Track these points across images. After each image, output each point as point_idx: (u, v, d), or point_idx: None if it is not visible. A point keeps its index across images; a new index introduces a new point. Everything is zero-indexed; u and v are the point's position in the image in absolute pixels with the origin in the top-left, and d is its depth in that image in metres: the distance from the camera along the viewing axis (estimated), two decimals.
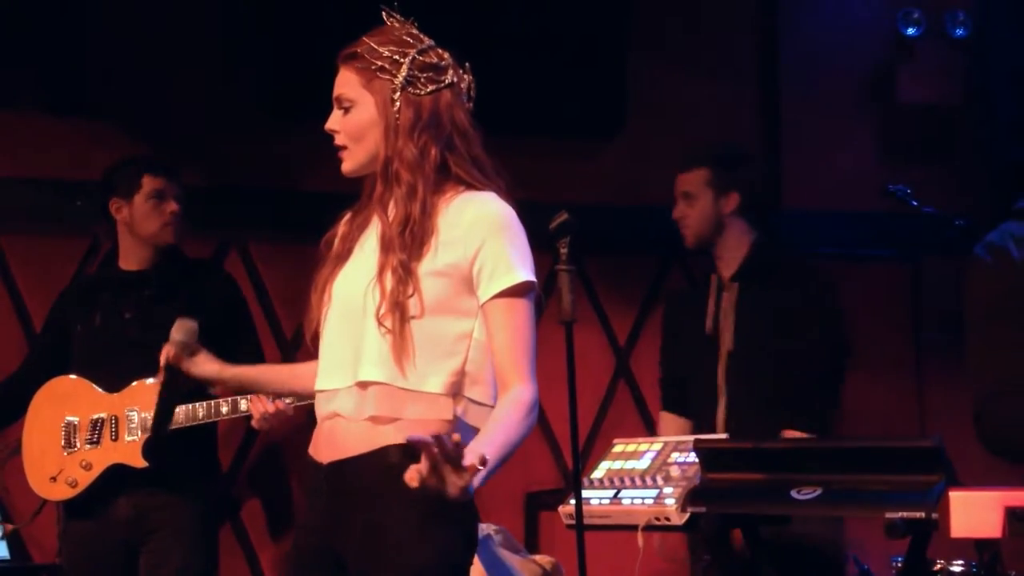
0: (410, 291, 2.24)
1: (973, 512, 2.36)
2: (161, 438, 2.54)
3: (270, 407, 3.39)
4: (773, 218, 5.27)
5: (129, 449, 3.51)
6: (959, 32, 5.27)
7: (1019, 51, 5.26)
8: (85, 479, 3.53)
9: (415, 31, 2.38)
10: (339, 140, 2.36)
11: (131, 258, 3.74)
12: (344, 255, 2.36)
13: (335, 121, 2.36)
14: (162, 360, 2.52)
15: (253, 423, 3.47)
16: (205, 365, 2.56)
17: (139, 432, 3.51)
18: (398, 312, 2.24)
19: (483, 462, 2.04)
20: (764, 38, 5.41)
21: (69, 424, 3.57)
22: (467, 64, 2.41)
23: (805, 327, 3.54)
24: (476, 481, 2.05)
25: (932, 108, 5.33)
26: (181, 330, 2.49)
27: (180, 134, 4.61)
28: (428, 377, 2.26)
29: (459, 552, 2.28)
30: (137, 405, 3.53)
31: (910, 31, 5.23)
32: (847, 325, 3.65)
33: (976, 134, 5.37)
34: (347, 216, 2.43)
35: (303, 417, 3.64)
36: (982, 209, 5.23)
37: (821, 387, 3.53)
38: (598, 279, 5.13)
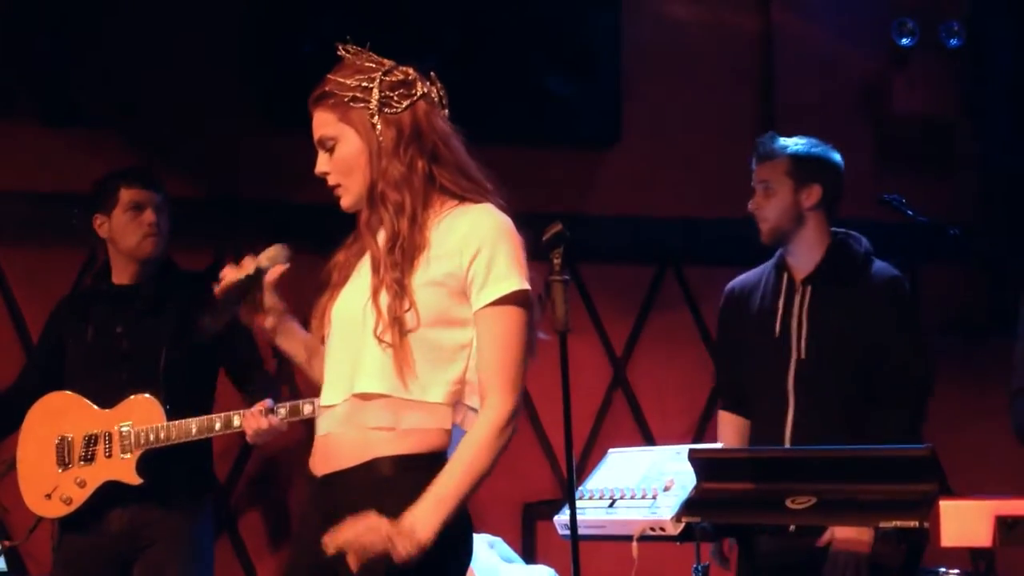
0: (406, 306, 2.27)
1: (964, 521, 2.35)
2: (213, 316, 2.49)
3: (263, 423, 3.37)
4: None
5: (123, 466, 3.49)
6: (953, 42, 5.29)
7: (1013, 61, 5.29)
8: (80, 496, 3.51)
9: (375, 56, 2.41)
10: (332, 180, 2.39)
11: (122, 273, 3.71)
12: (341, 282, 2.39)
13: (323, 163, 2.39)
14: (252, 263, 2.44)
15: (248, 439, 3.46)
16: (270, 309, 2.45)
17: (132, 448, 3.49)
18: (397, 327, 2.26)
19: (421, 547, 2.18)
20: (760, 49, 5.43)
21: (63, 440, 3.55)
22: (432, 74, 2.42)
23: (891, 342, 3.31)
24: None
25: (927, 118, 5.34)
26: (277, 251, 2.44)
27: (177, 145, 4.62)
28: (430, 387, 2.28)
29: (451, 561, 2.29)
30: (130, 420, 3.51)
31: (904, 41, 5.25)
32: (926, 342, 3.42)
33: (970, 144, 5.38)
34: (346, 243, 2.46)
35: (298, 432, 3.64)
36: (976, 218, 5.26)
37: (912, 408, 3.32)
38: (595, 289, 5.14)
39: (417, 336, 2.27)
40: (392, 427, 2.28)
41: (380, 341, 2.27)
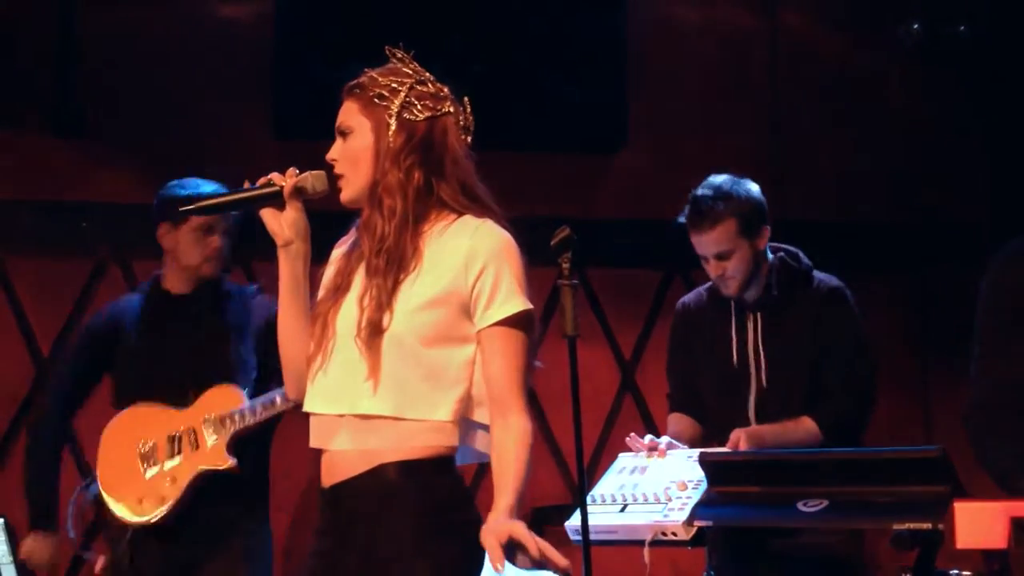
0: (385, 312, 2.27)
1: (979, 523, 2.35)
2: (200, 204, 2.46)
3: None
4: (776, 232, 5.29)
5: (213, 451, 3.44)
6: (960, 42, 5.29)
7: (1019, 61, 5.28)
8: (174, 492, 3.47)
9: (417, 67, 2.43)
10: (338, 168, 2.40)
11: (176, 282, 3.66)
12: (344, 287, 2.38)
13: (335, 150, 2.41)
14: (280, 178, 2.39)
15: None
16: (292, 224, 2.38)
17: (219, 433, 3.46)
18: (372, 332, 2.27)
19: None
20: (764, 51, 5.43)
21: (146, 446, 3.53)
22: (466, 98, 2.43)
23: (836, 342, 3.40)
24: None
25: (934, 119, 5.34)
26: (321, 180, 2.41)
27: (183, 154, 4.62)
28: (437, 406, 2.29)
29: (461, 566, 2.29)
30: (213, 411, 3.49)
31: (910, 42, 5.25)
32: (870, 345, 3.49)
33: (979, 144, 5.38)
34: (342, 250, 2.45)
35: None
36: (984, 219, 5.25)
37: (847, 396, 3.38)
38: (603, 293, 5.14)
39: (421, 356, 2.28)
40: (400, 445, 2.29)
41: (357, 342, 2.28)
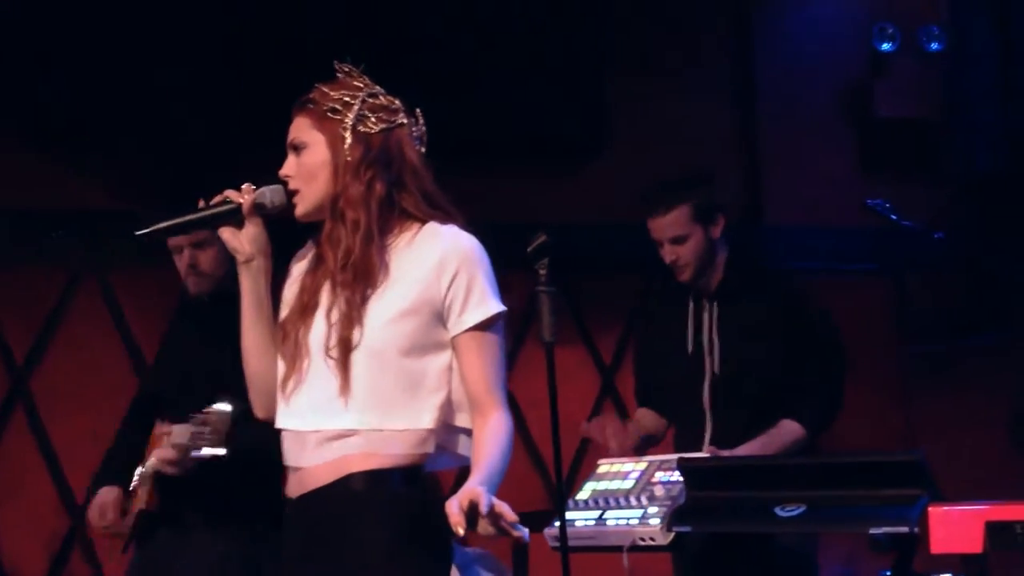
0: (354, 326, 2.27)
1: (954, 527, 2.36)
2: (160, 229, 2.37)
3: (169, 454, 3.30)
4: (754, 234, 5.30)
5: (147, 494, 3.42)
6: (934, 46, 5.32)
7: (993, 64, 5.31)
8: (124, 528, 3.46)
9: (367, 79, 2.42)
10: (292, 184, 2.38)
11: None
12: (312, 306, 2.36)
13: (289, 166, 2.39)
14: (236, 194, 2.37)
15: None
16: (253, 240, 2.36)
17: (149, 476, 3.42)
18: (343, 347, 2.26)
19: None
20: (742, 57, 5.45)
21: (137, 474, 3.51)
22: (418, 110, 2.43)
23: (796, 336, 3.45)
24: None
25: (909, 122, 5.37)
26: (279, 193, 2.35)
27: (167, 163, 4.60)
28: (420, 415, 2.29)
29: (431, 571, 2.29)
30: (151, 450, 3.45)
31: (885, 46, 5.28)
32: (837, 328, 3.58)
33: (953, 147, 5.40)
34: (302, 266, 2.44)
35: None
36: (959, 222, 5.27)
37: (822, 386, 3.44)
38: (582, 298, 5.14)
39: (400, 366, 2.27)
40: (369, 454, 2.28)
41: (328, 358, 2.27)
